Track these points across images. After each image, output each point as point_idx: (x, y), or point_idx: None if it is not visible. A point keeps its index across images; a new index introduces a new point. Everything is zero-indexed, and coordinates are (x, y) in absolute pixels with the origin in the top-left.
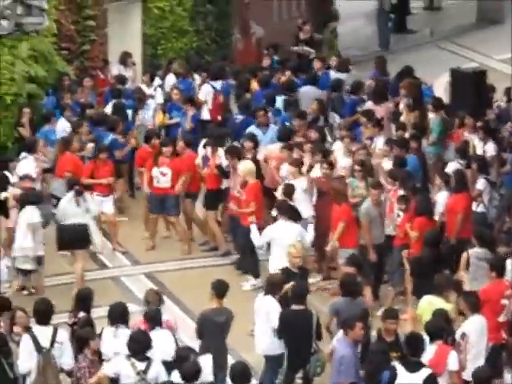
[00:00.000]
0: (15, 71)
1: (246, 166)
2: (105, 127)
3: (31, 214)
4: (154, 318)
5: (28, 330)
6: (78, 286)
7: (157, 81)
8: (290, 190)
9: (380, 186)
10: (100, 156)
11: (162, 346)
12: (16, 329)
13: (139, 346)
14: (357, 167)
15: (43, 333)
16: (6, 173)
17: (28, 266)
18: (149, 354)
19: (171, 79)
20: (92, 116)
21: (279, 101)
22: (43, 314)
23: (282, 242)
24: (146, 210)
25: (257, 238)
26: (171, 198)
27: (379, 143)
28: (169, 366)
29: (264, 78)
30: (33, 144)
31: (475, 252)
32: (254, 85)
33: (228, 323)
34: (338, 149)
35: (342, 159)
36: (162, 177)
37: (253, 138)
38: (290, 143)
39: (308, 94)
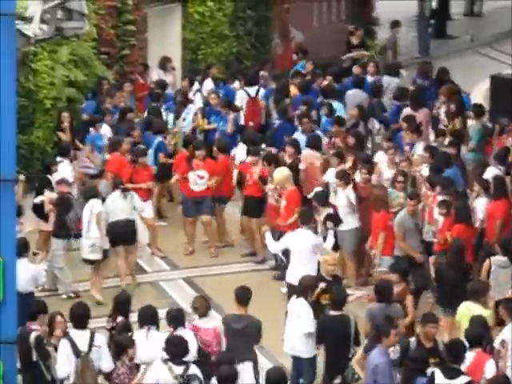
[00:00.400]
0: (55, 75)
1: (281, 174)
2: (151, 130)
3: (94, 206)
4: (176, 318)
5: (66, 334)
6: (124, 279)
7: (196, 85)
8: (321, 197)
9: (417, 197)
10: (140, 160)
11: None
12: (56, 333)
13: (177, 350)
14: (399, 178)
15: (81, 337)
16: (49, 177)
17: (95, 256)
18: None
19: (209, 84)
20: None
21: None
22: (80, 318)
23: (296, 251)
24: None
25: (271, 245)
26: (208, 199)
27: (418, 149)
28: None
29: (304, 84)
30: (68, 148)
31: (497, 260)
32: (294, 90)
33: (247, 330)
34: (382, 161)
35: (387, 171)
36: (199, 180)
37: (294, 144)
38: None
39: (354, 97)
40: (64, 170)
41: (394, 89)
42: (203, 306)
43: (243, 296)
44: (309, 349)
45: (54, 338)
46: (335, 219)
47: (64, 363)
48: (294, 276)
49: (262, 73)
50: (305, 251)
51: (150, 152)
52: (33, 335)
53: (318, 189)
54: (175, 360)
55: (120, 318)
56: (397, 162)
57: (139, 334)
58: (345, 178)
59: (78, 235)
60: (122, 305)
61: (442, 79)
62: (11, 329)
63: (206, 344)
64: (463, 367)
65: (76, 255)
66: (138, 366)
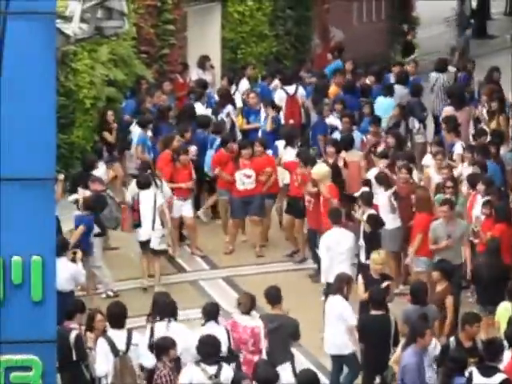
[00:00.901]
0: (95, 75)
1: (320, 170)
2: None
3: (157, 196)
4: (209, 312)
5: (104, 333)
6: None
7: (243, 85)
8: (368, 197)
9: (449, 203)
10: (180, 159)
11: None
12: (95, 331)
13: (209, 350)
14: (449, 183)
15: (118, 336)
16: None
17: (164, 247)
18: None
19: (245, 84)
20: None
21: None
22: (118, 317)
23: (335, 250)
24: (224, 214)
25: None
26: (257, 198)
27: (457, 149)
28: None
29: (348, 83)
30: (101, 150)
31: None
32: (335, 89)
33: (281, 329)
34: (431, 165)
35: (435, 176)
36: (246, 179)
37: (335, 143)
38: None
39: (397, 93)
40: (98, 169)
41: (442, 84)
42: (247, 304)
43: (272, 295)
44: (348, 344)
45: (93, 335)
46: (378, 220)
47: (102, 362)
48: (330, 275)
49: (301, 73)
50: (339, 251)
51: (209, 152)
52: (73, 334)
53: (365, 189)
54: (208, 360)
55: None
56: (444, 167)
57: (160, 326)
58: (384, 181)
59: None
60: (162, 305)
61: (492, 79)
62: (51, 328)
63: (241, 342)
64: (501, 367)
65: (115, 254)
66: (178, 368)
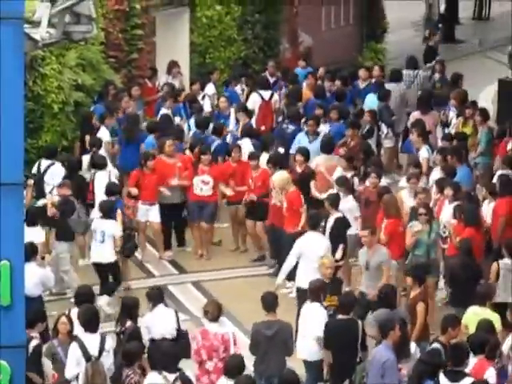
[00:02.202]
0: (63, 79)
1: (281, 176)
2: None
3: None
4: (155, 296)
5: (75, 337)
6: None
7: (209, 89)
8: (334, 200)
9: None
10: (147, 164)
11: (164, 323)
12: (60, 336)
13: (169, 359)
14: (422, 210)
15: (91, 341)
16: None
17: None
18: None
19: (211, 89)
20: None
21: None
22: (90, 321)
23: (310, 255)
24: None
25: (286, 268)
26: (211, 205)
27: (422, 153)
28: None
29: (319, 88)
30: (55, 151)
31: (505, 263)
32: (307, 93)
33: (278, 336)
34: (404, 188)
35: (408, 199)
36: (203, 185)
37: (304, 152)
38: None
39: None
40: (58, 172)
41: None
42: (215, 311)
43: (268, 301)
44: (316, 352)
45: (59, 339)
46: (345, 223)
47: (73, 366)
48: (305, 280)
49: (269, 64)
50: (314, 256)
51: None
52: (32, 343)
53: (332, 191)
54: (167, 369)
55: (129, 323)
56: (420, 191)
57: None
58: (345, 184)
59: None
60: (130, 309)
61: (456, 83)
62: (20, 333)
63: (212, 349)
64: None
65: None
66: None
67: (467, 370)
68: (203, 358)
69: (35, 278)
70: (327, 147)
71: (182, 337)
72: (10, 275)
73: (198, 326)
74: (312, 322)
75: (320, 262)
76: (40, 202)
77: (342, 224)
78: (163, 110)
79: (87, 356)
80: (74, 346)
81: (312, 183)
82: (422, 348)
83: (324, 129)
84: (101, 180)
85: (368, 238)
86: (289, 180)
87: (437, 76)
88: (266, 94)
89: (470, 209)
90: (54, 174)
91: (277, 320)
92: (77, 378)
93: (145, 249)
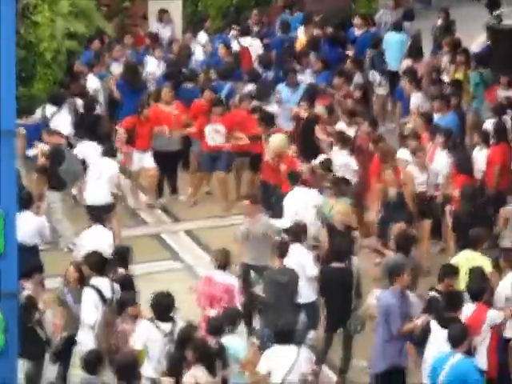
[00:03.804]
0: (55, 27)
1: (278, 140)
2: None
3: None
4: (95, 217)
5: (87, 283)
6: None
7: (201, 37)
8: (328, 164)
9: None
10: (143, 112)
11: (99, 242)
12: (70, 285)
13: (162, 308)
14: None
15: (103, 284)
16: None
17: None
18: (88, 248)
19: (203, 37)
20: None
21: None
22: (99, 264)
23: (303, 211)
24: (194, 166)
25: (278, 223)
26: (225, 153)
27: (413, 101)
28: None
29: (315, 40)
30: (61, 98)
31: (509, 209)
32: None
33: (290, 283)
34: (412, 163)
35: (420, 176)
36: (216, 134)
37: (308, 98)
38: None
39: (394, 39)
40: (60, 119)
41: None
42: (223, 258)
43: (282, 249)
44: (310, 293)
45: (69, 287)
46: (343, 182)
47: (93, 311)
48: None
49: (253, 12)
50: (306, 211)
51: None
52: (23, 294)
53: (323, 156)
54: (161, 318)
55: (120, 270)
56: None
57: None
58: (343, 140)
59: None
60: (121, 257)
61: (449, 30)
62: (13, 281)
63: (214, 298)
64: (462, 318)
65: (74, 206)
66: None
67: (465, 317)
68: (202, 304)
69: (32, 226)
70: (308, 97)
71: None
72: (3, 223)
73: (190, 274)
74: (297, 264)
75: (335, 209)
76: (31, 152)
77: (343, 181)
78: (150, 59)
79: (103, 300)
80: (89, 290)
81: (317, 127)
82: None
83: (304, 79)
84: None
85: (249, 208)
86: (286, 142)
87: (439, 23)
88: (245, 41)
89: (460, 156)
90: (60, 121)
91: (288, 268)
92: None
93: (138, 197)
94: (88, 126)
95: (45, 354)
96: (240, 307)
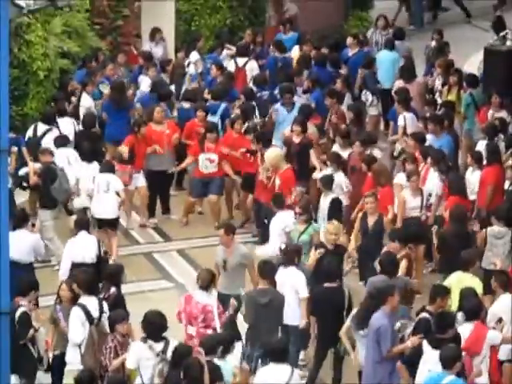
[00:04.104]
0: (48, 46)
1: (273, 154)
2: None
3: None
4: (80, 223)
5: (75, 301)
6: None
7: (193, 56)
8: (328, 181)
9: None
10: (141, 131)
11: (85, 249)
12: (63, 304)
13: (154, 328)
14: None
15: (91, 304)
16: None
17: None
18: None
19: (195, 56)
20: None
21: None
22: (89, 283)
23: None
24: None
25: (267, 250)
26: (217, 179)
27: (399, 121)
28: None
29: (320, 56)
30: (53, 116)
31: (492, 230)
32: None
33: (272, 304)
34: (405, 187)
35: (412, 200)
36: (209, 163)
37: (301, 122)
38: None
39: (386, 58)
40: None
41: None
42: (205, 279)
43: (264, 269)
44: (295, 316)
45: (62, 305)
46: (340, 204)
47: (79, 330)
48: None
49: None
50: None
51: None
52: (19, 311)
53: (326, 172)
54: (153, 338)
55: (113, 289)
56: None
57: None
58: (337, 160)
59: None
60: (114, 276)
61: (442, 51)
62: (5, 299)
63: (192, 316)
64: (463, 340)
65: (65, 224)
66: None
67: (464, 337)
68: (183, 321)
69: (27, 243)
70: (301, 120)
71: (102, 261)
72: None
73: (182, 294)
74: (291, 286)
75: (325, 228)
76: (22, 171)
77: (338, 204)
78: (144, 78)
79: (90, 319)
80: (76, 309)
81: (311, 152)
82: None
83: (297, 98)
84: None
85: (224, 238)
86: (281, 157)
87: (433, 44)
88: (242, 61)
89: (453, 177)
90: (52, 139)
91: (271, 288)
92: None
93: (130, 216)
94: (86, 143)
95: (36, 371)
96: (219, 329)
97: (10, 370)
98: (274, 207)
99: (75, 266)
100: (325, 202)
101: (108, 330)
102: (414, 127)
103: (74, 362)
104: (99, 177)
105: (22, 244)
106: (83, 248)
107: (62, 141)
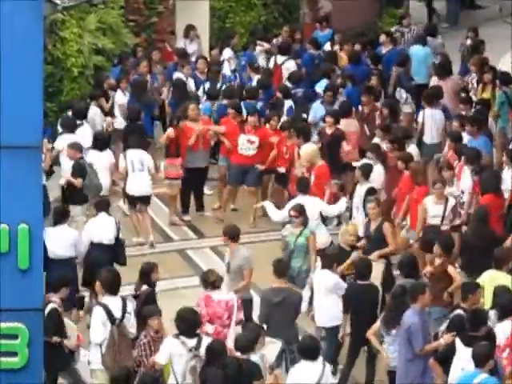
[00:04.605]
0: (82, 43)
1: (309, 150)
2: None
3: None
4: (100, 204)
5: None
6: None
7: (226, 53)
8: (367, 170)
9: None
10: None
11: (103, 229)
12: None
13: (188, 324)
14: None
15: (114, 304)
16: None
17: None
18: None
19: (228, 53)
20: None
21: None
22: (112, 284)
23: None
24: (221, 181)
25: (274, 214)
26: (255, 168)
27: (420, 117)
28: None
29: (355, 53)
30: (85, 112)
31: None
32: (345, 58)
33: (286, 302)
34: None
35: (433, 208)
36: (249, 144)
37: (334, 114)
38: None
39: (418, 53)
40: (87, 133)
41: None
42: (215, 279)
43: (279, 267)
44: (334, 318)
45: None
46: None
47: (99, 329)
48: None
49: (284, 29)
50: (311, 218)
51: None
52: (48, 307)
53: (366, 161)
54: (186, 334)
55: (144, 287)
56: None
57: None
58: (377, 151)
59: None
60: (146, 274)
61: (477, 49)
62: (38, 296)
63: (216, 316)
64: (503, 338)
65: None
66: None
67: (506, 336)
68: (203, 321)
69: (69, 239)
70: (343, 112)
71: (118, 243)
72: (29, 239)
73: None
74: (329, 287)
75: (343, 229)
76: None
77: (375, 194)
78: (179, 75)
79: (112, 319)
80: (98, 309)
81: (344, 144)
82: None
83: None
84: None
85: (226, 242)
86: (317, 153)
87: (468, 42)
88: (281, 58)
89: (487, 175)
90: (83, 134)
91: (286, 287)
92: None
93: (174, 212)
94: (133, 135)
95: (70, 366)
96: (237, 324)
97: (42, 367)
98: (297, 191)
99: (93, 246)
100: (361, 191)
101: (132, 330)
102: (439, 125)
103: (95, 362)
104: (131, 154)
105: (62, 239)
106: (102, 229)
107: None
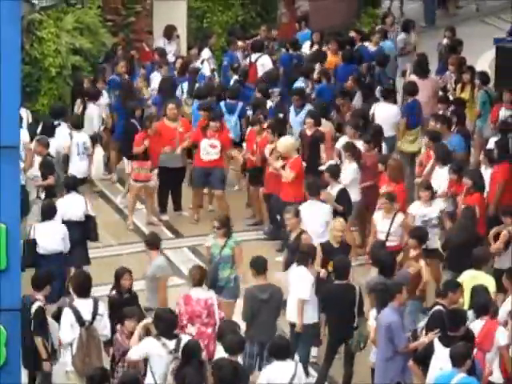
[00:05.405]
0: (60, 43)
1: (287, 142)
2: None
3: None
4: (68, 184)
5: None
6: None
7: (205, 53)
8: (334, 171)
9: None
10: (152, 126)
11: (73, 208)
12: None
13: (166, 325)
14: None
15: (84, 306)
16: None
17: None
18: (65, 216)
19: (206, 53)
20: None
21: None
22: (82, 286)
23: (311, 221)
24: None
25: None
26: (218, 170)
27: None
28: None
29: (347, 52)
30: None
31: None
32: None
33: (273, 300)
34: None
35: (380, 222)
36: (211, 149)
37: (314, 115)
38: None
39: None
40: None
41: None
42: (197, 275)
43: (258, 265)
44: (306, 315)
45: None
46: (347, 195)
47: (67, 332)
48: None
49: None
50: (317, 223)
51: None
52: (34, 305)
53: (331, 162)
54: (165, 335)
55: (113, 292)
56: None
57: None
58: (352, 150)
59: None
60: (116, 279)
61: (454, 49)
62: (16, 296)
63: (195, 314)
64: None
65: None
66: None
67: (476, 333)
68: (183, 323)
69: (60, 233)
70: (315, 114)
71: (89, 220)
72: (6, 238)
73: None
74: (298, 285)
75: (331, 226)
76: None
77: (346, 195)
78: (157, 76)
79: (81, 321)
80: (66, 311)
81: (322, 146)
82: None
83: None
84: None
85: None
86: (294, 146)
87: (445, 42)
88: (254, 56)
89: (477, 174)
90: (60, 134)
91: (268, 283)
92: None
93: (150, 212)
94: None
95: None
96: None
97: (20, 366)
98: (308, 195)
99: (64, 224)
100: (333, 193)
101: (105, 332)
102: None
103: (68, 364)
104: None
105: (54, 234)
106: (71, 207)
107: None
